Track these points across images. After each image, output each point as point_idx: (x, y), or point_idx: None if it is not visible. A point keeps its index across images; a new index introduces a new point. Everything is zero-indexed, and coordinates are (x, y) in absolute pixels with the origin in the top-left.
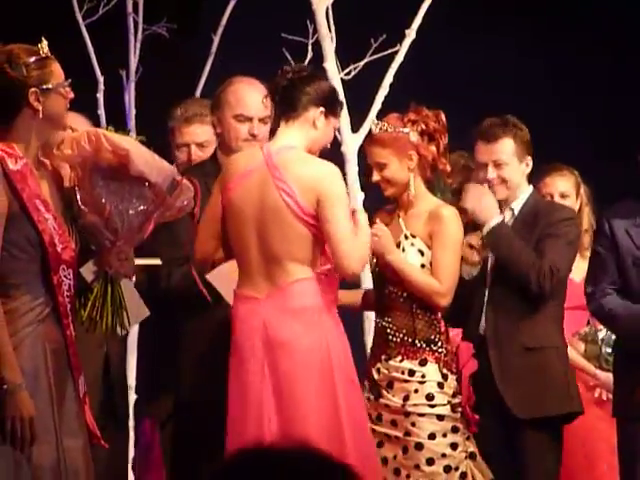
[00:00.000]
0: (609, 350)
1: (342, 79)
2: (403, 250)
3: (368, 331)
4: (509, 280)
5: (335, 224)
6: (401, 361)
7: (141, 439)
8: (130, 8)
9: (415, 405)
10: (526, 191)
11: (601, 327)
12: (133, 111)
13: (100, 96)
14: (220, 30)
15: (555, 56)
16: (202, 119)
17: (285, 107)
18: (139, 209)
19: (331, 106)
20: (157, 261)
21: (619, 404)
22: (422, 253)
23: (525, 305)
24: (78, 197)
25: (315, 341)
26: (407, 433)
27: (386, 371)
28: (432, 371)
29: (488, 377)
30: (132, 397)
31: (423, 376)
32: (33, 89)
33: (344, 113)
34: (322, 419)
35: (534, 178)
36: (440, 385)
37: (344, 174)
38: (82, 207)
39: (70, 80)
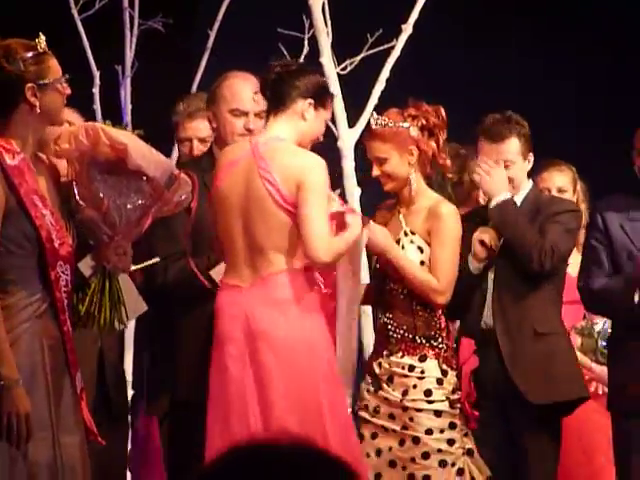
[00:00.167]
0: (605, 344)
1: (338, 74)
2: (403, 247)
3: (364, 326)
4: (513, 264)
5: (307, 209)
6: (402, 357)
7: (137, 435)
8: (126, 3)
9: (413, 400)
10: (526, 186)
11: (597, 321)
12: (129, 106)
13: (96, 91)
14: (216, 25)
15: (555, 56)
16: (205, 114)
17: (274, 101)
18: (137, 203)
19: (320, 97)
20: (155, 259)
21: (613, 398)
22: (421, 250)
23: (531, 291)
24: (76, 192)
25: (296, 333)
26: (404, 427)
27: (387, 366)
28: (432, 367)
29: (493, 371)
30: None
31: (422, 372)
32: (30, 84)
33: (340, 108)
34: (302, 412)
35: (532, 174)
36: (439, 381)
37: (341, 169)
38: (80, 202)
39: (67, 76)
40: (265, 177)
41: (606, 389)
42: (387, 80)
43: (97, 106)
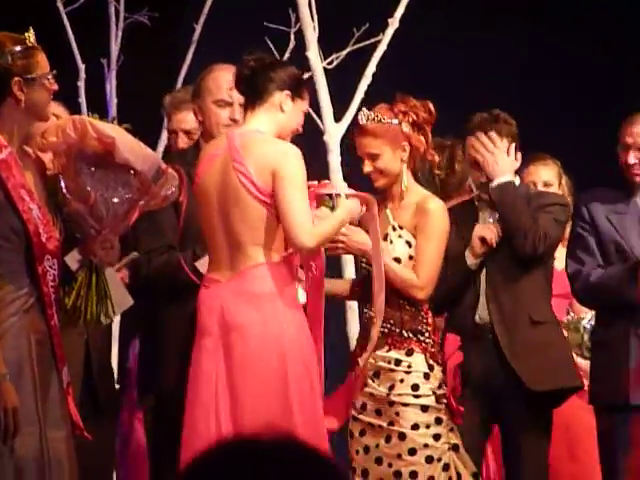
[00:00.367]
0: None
1: (325, 68)
2: (391, 242)
3: (350, 321)
4: (505, 254)
5: (285, 197)
6: (388, 351)
7: (120, 429)
8: None
9: (400, 395)
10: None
11: (584, 315)
12: (114, 100)
13: (81, 84)
14: (202, 18)
15: (555, 56)
16: (190, 107)
17: (251, 95)
18: (124, 197)
19: (297, 88)
20: (133, 254)
21: (596, 393)
22: (410, 244)
23: (524, 280)
24: (62, 185)
25: (270, 327)
26: (391, 422)
27: (373, 361)
28: (418, 361)
29: (486, 366)
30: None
31: (409, 366)
32: (17, 78)
33: (327, 102)
34: (271, 407)
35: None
36: (426, 376)
37: (326, 164)
38: (66, 195)
39: (55, 72)
40: (239, 169)
41: None
42: (373, 74)
43: (82, 99)
